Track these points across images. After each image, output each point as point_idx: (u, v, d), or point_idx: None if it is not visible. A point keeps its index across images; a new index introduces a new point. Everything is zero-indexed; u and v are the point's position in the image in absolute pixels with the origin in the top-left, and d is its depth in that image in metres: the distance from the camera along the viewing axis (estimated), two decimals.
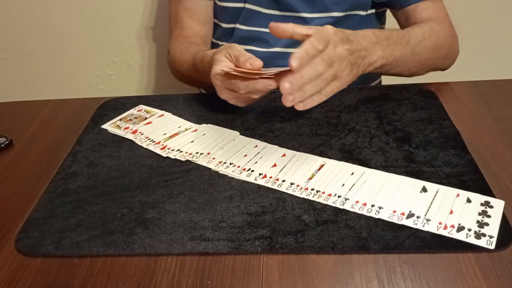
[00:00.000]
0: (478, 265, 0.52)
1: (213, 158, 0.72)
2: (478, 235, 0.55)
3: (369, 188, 0.63)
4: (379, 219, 0.58)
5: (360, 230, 0.57)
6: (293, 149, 0.72)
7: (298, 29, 0.67)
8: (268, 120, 0.80)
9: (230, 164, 0.70)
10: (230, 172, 0.68)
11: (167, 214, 0.62)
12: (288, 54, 0.69)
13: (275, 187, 0.65)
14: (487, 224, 0.56)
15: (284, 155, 0.71)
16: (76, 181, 0.70)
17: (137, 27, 1.38)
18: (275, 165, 0.69)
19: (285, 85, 0.61)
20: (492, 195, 0.61)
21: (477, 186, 0.62)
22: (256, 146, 0.74)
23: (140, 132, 0.80)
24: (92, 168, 0.73)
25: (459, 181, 0.63)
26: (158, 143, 0.77)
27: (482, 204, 0.59)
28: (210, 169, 0.70)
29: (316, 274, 0.53)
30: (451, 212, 0.58)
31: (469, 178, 0.64)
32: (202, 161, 0.71)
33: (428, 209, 0.59)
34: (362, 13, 0.95)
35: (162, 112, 0.86)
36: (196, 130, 0.79)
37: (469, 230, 0.56)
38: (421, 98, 0.83)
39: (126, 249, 0.58)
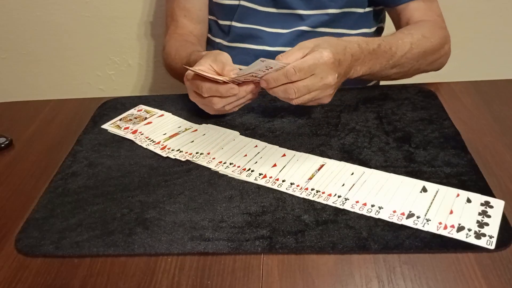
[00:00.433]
0: (478, 265, 0.52)
1: (213, 158, 0.72)
2: (478, 235, 0.55)
3: (369, 188, 0.63)
4: (379, 219, 0.58)
5: (360, 230, 0.57)
6: (293, 149, 0.72)
7: (290, 58, 0.69)
8: (268, 120, 0.80)
9: (230, 164, 0.70)
10: (230, 172, 0.68)
11: (167, 214, 0.62)
12: None
13: (275, 187, 0.65)
14: (487, 224, 0.56)
15: (284, 155, 0.71)
16: (76, 181, 0.70)
17: (137, 27, 1.38)
18: (275, 165, 0.69)
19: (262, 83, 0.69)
20: (492, 195, 0.61)
21: (477, 186, 0.62)
22: (256, 146, 0.74)
23: (140, 132, 0.80)
24: (92, 168, 0.73)
25: (459, 181, 0.63)
26: (158, 143, 0.77)
27: (482, 204, 0.59)
28: (210, 169, 0.70)
29: (316, 274, 0.53)
30: (451, 212, 0.58)
31: (469, 178, 0.64)
32: (202, 161, 0.71)
33: (428, 209, 0.59)
34: (360, 10, 0.94)
35: (162, 112, 0.86)
36: (196, 130, 0.79)
37: (469, 230, 0.56)
38: (421, 98, 0.83)
39: (126, 249, 0.58)
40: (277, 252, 0.56)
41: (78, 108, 0.92)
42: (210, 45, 1.06)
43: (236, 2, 0.96)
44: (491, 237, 0.55)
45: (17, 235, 0.62)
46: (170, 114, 0.85)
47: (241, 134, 0.77)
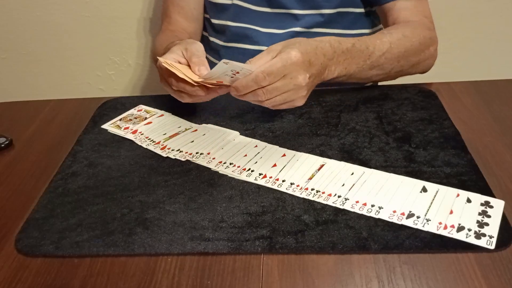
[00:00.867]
0: (478, 265, 0.52)
1: (213, 158, 0.72)
2: (478, 235, 0.55)
3: (369, 188, 0.63)
4: (379, 219, 0.58)
5: (360, 230, 0.57)
6: (293, 149, 0.72)
7: (258, 62, 0.67)
8: (268, 120, 0.80)
9: (230, 164, 0.70)
10: (230, 172, 0.68)
11: (167, 214, 0.62)
12: None
13: (275, 187, 0.65)
14: (487, 224, 0.56)
15: (284, 155, 0.71)
16: (76, 181, 0.70)
17: (137, 27, 1.38)
18: (275, 165, 0.69)
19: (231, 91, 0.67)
20: (492, 195, 0.61)
21: (477, 186, 0.62)
22: (256, 146, 0.74)
23: (140, 132, 0.80)
24: (92, 168, 0.73)
25: (459, 181, 0.63)
26: (158, 143, 0.77)
27: (482, 204, 0.59)
28: (210, 169, 0.70)
29: (316, 274, 0.53)
30: (451, 212, 0.58)
31: (469, 178, 0.64)
32: (202, 161, 0.71)
33: (428, 209, 0.59)
34: (355, 10, 0.94)
35: (162, 112, 0.86)
36: (196, 130, 0.79)
37: (469, 230, 0.56)
38: (421, 98, 0.83)
39: (126, 249, 0.58)
40: (277, 252, 0.56)
41: (78, 108, 0.92)
42: (207, 45, 1.06)
43: (229, 2, 0.95)
44: (491, 237, 0.55)
45: (17, 235, 0.62)
46: (170, 114, 0.85)
47: (241, 134, 0.77)
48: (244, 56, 0.96)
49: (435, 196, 0.61)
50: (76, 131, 0.83)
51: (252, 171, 0.68)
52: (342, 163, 0.69)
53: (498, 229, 0.56)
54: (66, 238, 0.60)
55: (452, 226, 0.56)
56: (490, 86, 0.87)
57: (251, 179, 0.67)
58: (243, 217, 0.61)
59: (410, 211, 0.59)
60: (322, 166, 0.68)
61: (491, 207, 0.59)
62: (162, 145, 0.76)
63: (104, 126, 0.83)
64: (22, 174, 0.74)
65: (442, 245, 0.55)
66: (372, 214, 0.59)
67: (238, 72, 0.65)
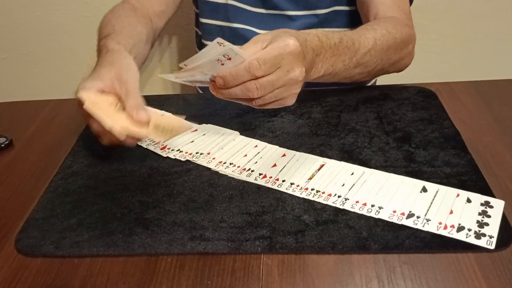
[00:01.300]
0: (478, 265, 0.52)
1: (213, 158, 0.72)
2: (478, 235, 0.55)
3: (369, 188, 0.63)
4: (379, 219, 0.58)
5: (360, 230, 0.57)
6: (293, 149, 0.72)
7: (247, 52, 0.58)
8: (268, 120, 0.80)
9: (230, 164, 0.70)
10: (230, 172, 0.68)
11: (167, 214, 0.62)
12: None
13: (275, 187, 0.65)
14: (487, 224, 0.56)
15: (284, 155, 0.71)
16: (76, 181, 0.70)
17: None
18: (275, 165, 0.69)
19: (218, 80, 0.59)
20: (492, 195, 0.61)
21: (477, 186, 0.62)
22: (256, 146, 0.74)
23: None
24: (92, 168, 0.73)
25: (459, 181, 0.63)
26: (158, 143, 0.77)
27: (482, 204, 0.59)
28: (210, 169, 0.70)
29: (316, 274, 0.53)
30: (451, 212, 0.58)
31: (469, 178, 0.64)
32: (202, 161, 0.71)
33: (428, 209, 0.59)
34: (347, 8, 0.93)
35: (162, 112, 0.85)
36: (196, 130, 0.79)
37: (469, 230, 0.56)
38: (421, 98, 0.83)
39: (126, 249, 0.58)
40: (277, 252, 0.56)
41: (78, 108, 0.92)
42: (199, 46, 1.04)
43: (223, 1, 0.93)
44: (491, 237, 0.55)
45: (17, 235, 0.62)
46: (170, 114, 0.85)
47: (241, 134, 0.77)
48: None
49: (435, 196, 0.61)
50: (76, 131, 0.83)
51: (252, 171, 0.68)
52: (342, 163, 0.69)
53: (498, 229, 0.56)
54: (66, 238, 0.60)
55: (452, 226, 0.56)
56: (490, 86, 0.87)
57: (251, 179, 0.67)
58: (243, 217, 0.61)
59: (410, 211, 0.59)
60: (322, 166, 0.68)
61: (491, 207, 0.59)
62: (162, 145, 0.76)
63: None
64: (22, 174, 0.74)
65: (442, 245, 0.55)
66: (372, 214, 0.59)
67: (230, 59, 0.56)
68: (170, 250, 0.57)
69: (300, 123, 0.79)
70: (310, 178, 0.66)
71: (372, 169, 0.67)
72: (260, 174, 0.67)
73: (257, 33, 0.93)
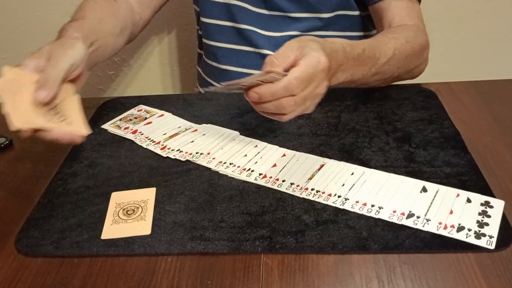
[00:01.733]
0: (478, 265, 0.53)
1: (213, 158, 0.72)
2: (478, 235, 0.55)
3: (369, 188, 0.63)
4: (379, 219, 0.58)
5: (360, 230, 0.57)
6: (293, 149, 0.72)
7: (284, 62, 0.59)
8: (268, 120, 0.80)
9: (230, 164, 0.70)
10: (230, 172, 0.68)
11: (167, 214, 0.62)
12: None
13: (275, 187, 0.65)
14: (487, 224, 0.56)
15: (284, 155, 0.71)
16: (76, 181, 0.70)
17: None
18: (275, 165, 0.69)
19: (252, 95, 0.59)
20: (492, 195, 0.61)
21: (477, 186, 0.62)
22: (256, 146, 0.74)
23: (140, 132, 0.80)
24: (92, 168, 0.73)
25: (459, 181, 0.63)
26: (158, 143, 0.77)
27: (482, 204, 0.59)
28: (210, 169, 0.70)
29: (316, 274, 0.53)
30: (451, 212, 0.58)
31: (469, 178, 0.64)
32: (202, 161, 0.71)
33: (428, 209, 0.59)
34: (353, 13, 0.93)
35: (162, 112, 0.86)
36: (196, 130, 0.79)
37: (469, 230, 0.56)
38: (421, 98, 0.83)
39: (126, 249, 0.58)
40: (277, 252, 0.56)
41: None
42: (204, 49, 1.04)
43: (225, 0, 0.93)
44: (491, 237, 0.55)
45: (17, 235, 0.62)
46: (170, 114, 0.85)
47: (241, 134, 0.77)
48: (243, 58, 0.95)
49: (435, 196, 0.61)
50: None
51: (252, 171, 0.68)
52: (342, 163, 0.69)
53: (498, 229, 0.56)
54: (66, 238, 0.60)
55: (452, 226, 0.56)
56: (490, 86, 0.87)
57: (251, 179, 0.67)
58: (243, 217, 0.61)
59: (410, 211, 0.59)
60: (322, 166, 0.68)
61: (491, 207, 0.59)
62: (162, 145, 0.76)
63: (104, 126, 0.83)
64: (22, 174, 0.74)
65: (442, 245, 0.55)
66: (372, 214, 0.59)
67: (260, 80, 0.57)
68: (170, 250, 0.57)
69: (300, 123, 0.79)
70: (310, 178, 0.66)
71: (372, 169, 0.67)
72: (260, 174, 0.67)
73: (260, 34, 0.94)
